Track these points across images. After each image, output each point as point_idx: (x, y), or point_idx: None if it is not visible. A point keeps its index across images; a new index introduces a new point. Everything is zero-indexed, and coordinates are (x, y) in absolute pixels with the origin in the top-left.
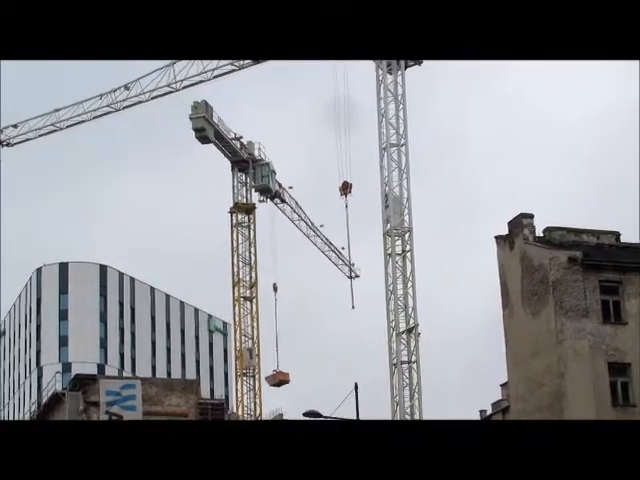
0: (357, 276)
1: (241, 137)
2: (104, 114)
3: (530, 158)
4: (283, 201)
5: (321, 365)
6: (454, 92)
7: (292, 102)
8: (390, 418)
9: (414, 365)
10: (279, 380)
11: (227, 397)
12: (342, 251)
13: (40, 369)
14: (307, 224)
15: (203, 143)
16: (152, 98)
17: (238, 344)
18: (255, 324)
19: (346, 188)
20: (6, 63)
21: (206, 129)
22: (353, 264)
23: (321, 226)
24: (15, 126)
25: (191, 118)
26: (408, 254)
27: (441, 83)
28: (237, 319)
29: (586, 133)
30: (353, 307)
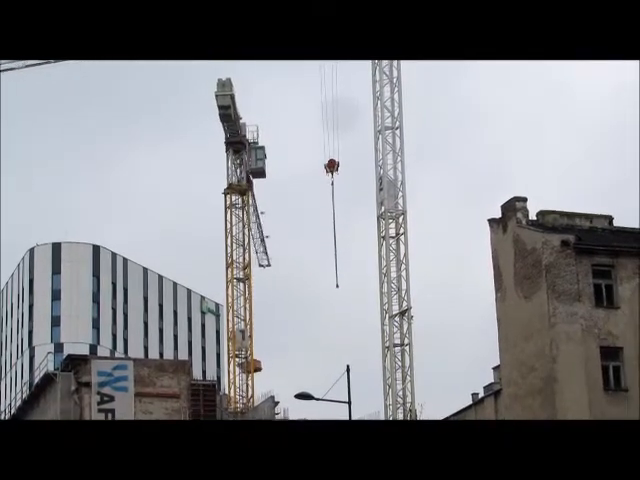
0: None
1: (241, 118)
2: None
3: (529, 142)
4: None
5: (313, 347)
6: (454, 75)
7: (285, 81)
8: (382, 401)
9: (407, 348)
10: (253, 368)
11: (219, 378)
12: (266, 239)
13: (32, 349)
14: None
15: (224, 121)
16: None
17: (231, 325)
18: (248, 305)
19: (332, 166)
20: None
21: (231, 107)
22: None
23: (267, 237)
24: None
25: (217, 95)
26: (402, 237)
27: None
28: (230, 300)
29: (590, 116)
30: (337, 286)
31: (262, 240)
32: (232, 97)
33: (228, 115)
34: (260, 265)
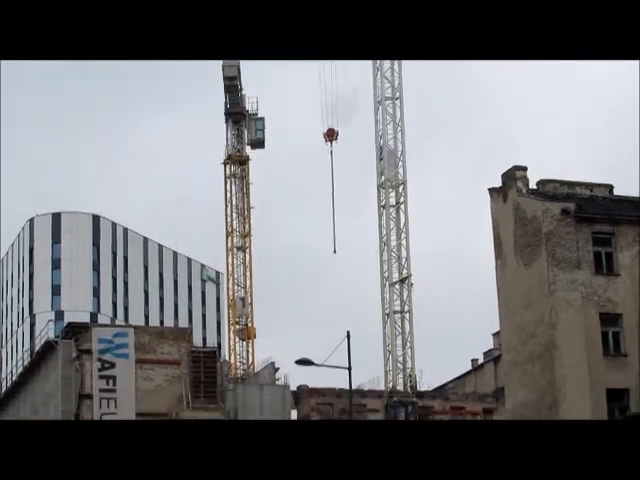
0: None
1: (242, 90)
2: None
3: (530, 112)
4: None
5: (313, 315)
6: None
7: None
8: (382, 367)
9: (406, 315)
10: (248, 335)
11: (219, 345)
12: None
13: (33, 317)
14: None
15: (229, 92)
16: None
17: (231, 293)
18: (248, 273)
19: (331, 135)
20: None
21: (237, 78)
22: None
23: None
24: None
25: (224, 66)
26: (402, 206)
27: None
28: (230, 269)
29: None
30: (335, 251)
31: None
32: (238, 68)
33: (234, 86)
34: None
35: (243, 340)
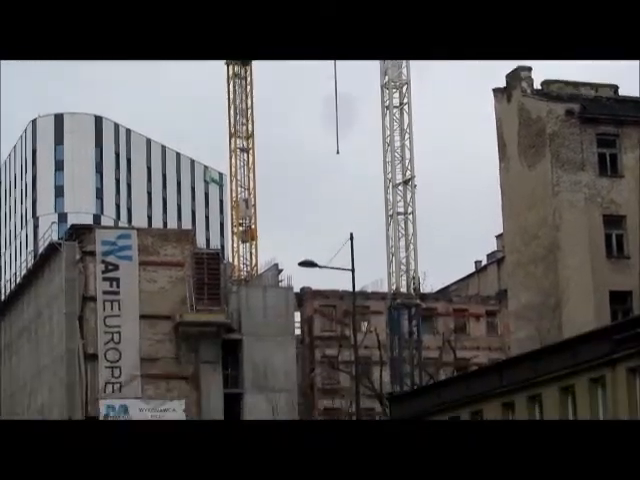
0: None
1: None
2: None
3: None
4: None
5: (317, 216)
6: None
7: None
8: (386, 269)
9: (410, 216)
10: (251, 236)
11: (223, 247)
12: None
13: (36, 219)
14: None
15: None
16: None
17: (234, 195)
18: (252, 175)
19: None
20: None
21: None
22: None
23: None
24: None
25: None
26: (406, 107)
27: None
28: (233, 170)
29: None
30: (338, 152)
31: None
32: None
33: None
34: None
35: (245, 242)
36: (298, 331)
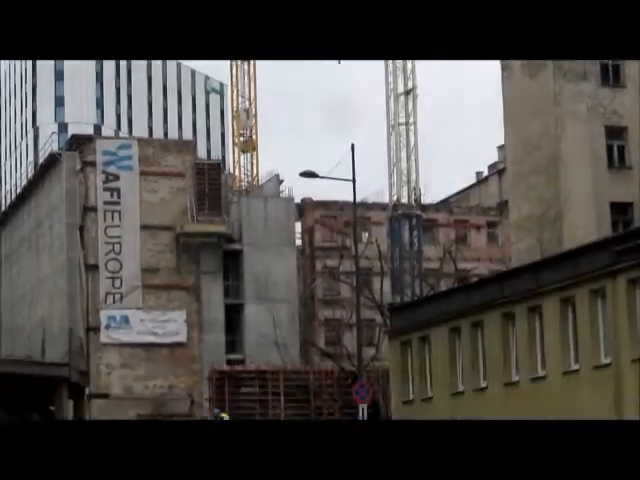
0: None
1: None
2: None
3: None
4: None
5: (318, 124)
6: None
7: None
8: (387, 179)
9: (411, 127)
10: (252, 146)
11: (224, 158)
12: None
13: (36, 129)
14: None
15: None
16: None
17: (235, 105)
18: (252, 85)
19: None
20: None
21: None
22: None
23: None
24: None
25: None
26: None
27: None
28: (234, 80)
29: None
30: (339, 62)
31: None
32: None
33: None
34: None
35: (246, 152)
36: (299, 242)
